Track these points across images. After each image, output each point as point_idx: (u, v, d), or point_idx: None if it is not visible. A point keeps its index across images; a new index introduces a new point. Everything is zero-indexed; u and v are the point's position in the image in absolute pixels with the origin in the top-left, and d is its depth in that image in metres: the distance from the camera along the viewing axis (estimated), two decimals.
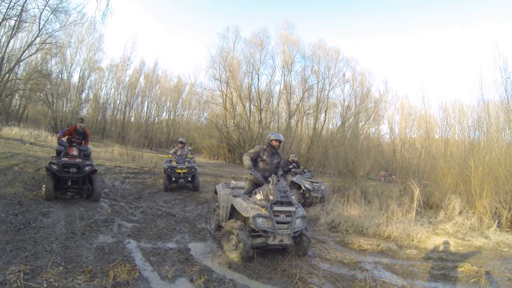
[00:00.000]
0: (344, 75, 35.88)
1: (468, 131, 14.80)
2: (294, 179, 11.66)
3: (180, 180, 12.21)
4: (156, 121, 48.59)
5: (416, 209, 9.93)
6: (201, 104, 42.20)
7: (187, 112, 49.98)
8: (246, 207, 5.81)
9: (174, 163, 12.29)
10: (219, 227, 7.08)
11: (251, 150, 6.77)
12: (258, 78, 36.05)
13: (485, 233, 9.59)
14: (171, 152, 13.49)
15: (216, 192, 7.62)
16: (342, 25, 77.71)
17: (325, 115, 36.50)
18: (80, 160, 9.06)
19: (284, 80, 35.59)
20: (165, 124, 49.28)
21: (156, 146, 44.16)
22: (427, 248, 7.84)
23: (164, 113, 50.30)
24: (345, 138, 20.23)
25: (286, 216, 5.80)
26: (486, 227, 10.07)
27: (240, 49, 37.65)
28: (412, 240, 8.40)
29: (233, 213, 6.37)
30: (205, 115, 43.87)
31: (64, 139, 9.58)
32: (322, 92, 35.76)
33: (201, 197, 11.58)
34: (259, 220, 5.54)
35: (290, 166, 12.69)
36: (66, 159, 8.86)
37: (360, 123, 32.28)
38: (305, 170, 12.17)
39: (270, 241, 5.68)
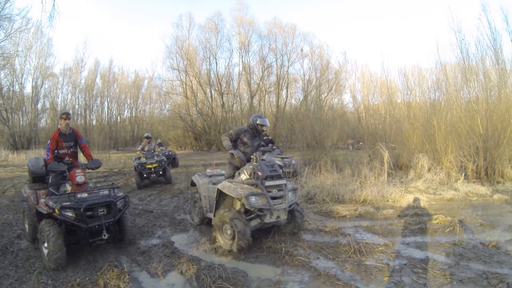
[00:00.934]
0: (302, 50, 36.16)
1: (428, 93, 15.37)
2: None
3: (152, 175, 12.02)
4: (119, 120, 47.27)
5: (387, 171, 10.25)
6: (162, 96, 41.91)
7: (148, 106, 49.26)
8: (235, 188, 5.53)
9: (143, 159, 12.05)
10: (203, 220, 6.79)
11: (230, 131, 6.30)
12: (216, 63, 36.02)
13: (454, 185, 10.15)
14: (139, 148, 13.24)
15: (193, 184, 7.24)
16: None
17: (287, 91, 36.87)
18: (107, 192, 5.57)
19: (242, 61, 35.72)
20: (128, 122, 48.19)
21: (122, 145, 43.30)
22: (402, 207, 8.17)
23: (126, 111, 49.07)
24: (309, 111, 20.45)
25: (278, 190, 5.58)
26: (454, 180, 10.70)
27: (195, 35, 37.47)
28: (387, 201, 8.74)
29: (220, 201, 6.05)
30: (167, 107, 43.53)
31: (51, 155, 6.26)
32: (282, 69, 35.98)
33: (175, 189, 11.48)
34: (252, 198, 5.25)
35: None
36: (81, 195, 5.28)
37: (322, 95, 32.70)
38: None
39: (267, 219, 5.46)
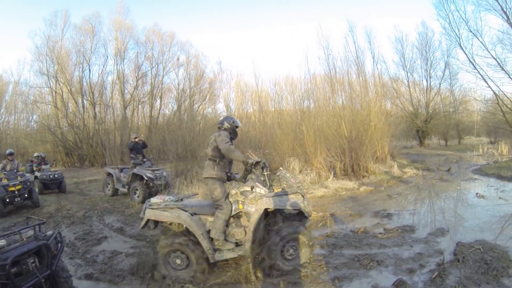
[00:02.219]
0: (178, 59, 35.34)
1: (299, 101, 16.46)
2: (135, 170, 11.06)
3: (16, 199, 10.06)
4: None
5: None
6: (29, 105, 36.21)
7: (13, 117, 42.61)
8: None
9: (5, 181, 10.03)
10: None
11: (224, 137, 4.72)
12: (90, 69, 32.59)
13: (325, 183, 11.03)
14: None
15: (156, 222, 4.93)
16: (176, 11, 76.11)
17: (161, 101, 35.55)
18: (33, 232, 3.75)
19: (117, 69, 33.28)
20: None
21: None
22: None
23: None
24: (181, 121, 20.41)
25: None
26: (325, 178, 11.62)
27: (69, 37, 33.04)
28: None
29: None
30: (34, 118, 37.92)
31: None
32: (157, 78, 34.74)
33: (44, 212, 9.77)
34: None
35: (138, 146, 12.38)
36: None
37: (196, 105, 32.74)
38: (144, 160, 11.83)
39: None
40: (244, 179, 5.00)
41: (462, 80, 31.54)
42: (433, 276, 4.21)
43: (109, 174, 12.00)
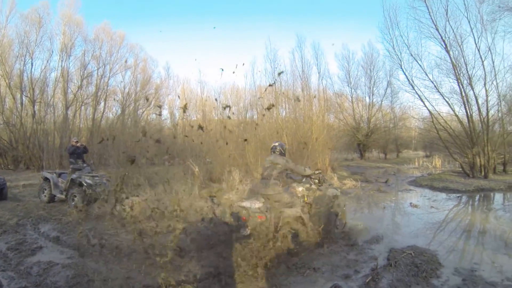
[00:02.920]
0: (126, 61, 34.03)
1: (243, 111, 16.74)
2: (74, 176, 10.74)
3: None
4: None
5: (200, 185, 10.71)
6: None
7: None
8: None
9: None
10: None
11: (285, 159, 6.37)
12: (32, 63, 29.87)
13: None
14: None
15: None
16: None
17: (105, 104, 33.65)
18: None
19: (61, 66, 30.94)
20: None
21: None
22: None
23: None
24: (125, 126, 20.00)
25: None
26: None
27: (14, 25, 30.26)
28: (201, 214, 9.09)
29: None
30: None
31: None
32: (102, 79, 32.98)
33: None
34: None
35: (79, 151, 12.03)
36: None
37: (140, 110, 32.37)
38: (84, 165, 11.49)
39: None
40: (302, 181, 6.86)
41: (402, 98, 33.56)
42: (367, 280, 4.58)
43: (46, 179, 11.47)
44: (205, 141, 16.54)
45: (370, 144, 34.58)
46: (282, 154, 6.36)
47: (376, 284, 4.52)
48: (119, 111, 33.54)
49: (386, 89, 34.19)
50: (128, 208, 8.77)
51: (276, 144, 6.54)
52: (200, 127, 6.24)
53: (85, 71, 32.21)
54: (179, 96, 37.40)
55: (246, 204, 6.13)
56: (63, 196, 10.86)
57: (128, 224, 8.14)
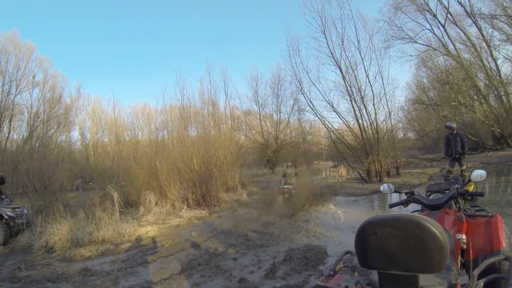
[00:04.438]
0: (34, 77, 30.78)
1: (155, 132, 17.37)
2: None
3: None
4: None
5: (118, 210, 11.11)
6: None
7: None
8: None
9: None
10: None
11: None
12: None
13: (179, 214, 12.44)
14: None
15: None
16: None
17: (10, 124, 29.26)
18: None
19: None
20: None
21: None
22: (137, 239, 9.43)
23: None
24: (34, 150, 19.21)
25: None
26: (179, 209, 13.00)
27: None
28: (124, 236, 9.69)
29: None
30: None
31: None
32: (8, 97, 28.79)
33: None
34: None
35: None
36: None
37: (50, 131, 30.00)
38: (2, 197, 10.87)
39: None
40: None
41: (309, 114, 35.41)
42: (267, 273, 5.94)
43: None
44: (119, 164, 16.65)
45: (279, 159, 36.11)
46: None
47: (274, 274, 5.85)
48: (27, 133, 30.32)
49: (293, 106, 35.82)
50: (56, 238, 8.94)
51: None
52: None
53: None
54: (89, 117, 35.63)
55: (286, 186, 13.40)
56: None
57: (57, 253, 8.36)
